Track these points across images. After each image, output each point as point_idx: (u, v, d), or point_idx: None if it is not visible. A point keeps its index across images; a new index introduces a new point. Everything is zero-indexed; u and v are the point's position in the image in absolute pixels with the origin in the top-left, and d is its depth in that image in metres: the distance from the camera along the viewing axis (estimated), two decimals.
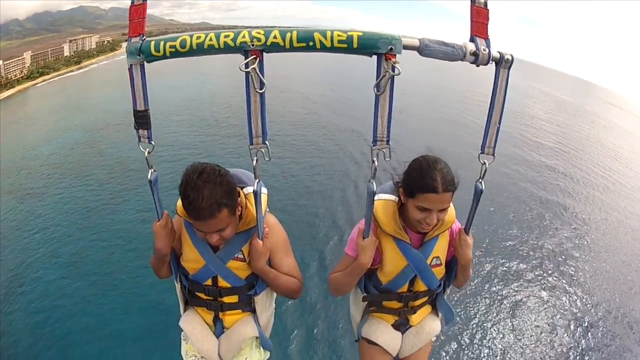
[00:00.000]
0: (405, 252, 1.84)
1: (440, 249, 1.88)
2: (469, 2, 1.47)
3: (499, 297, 9.52)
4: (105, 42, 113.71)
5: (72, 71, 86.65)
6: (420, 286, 1.93)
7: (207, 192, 1.52)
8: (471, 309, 8.98)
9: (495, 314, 8.96)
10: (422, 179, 1.63)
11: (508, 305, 9.31)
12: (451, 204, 1.85)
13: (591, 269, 11.54)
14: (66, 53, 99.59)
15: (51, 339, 8.47)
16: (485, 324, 8.61)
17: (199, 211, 1.53)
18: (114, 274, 10.45)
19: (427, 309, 2.14)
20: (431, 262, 1.87)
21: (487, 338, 8.30)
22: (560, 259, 11.66)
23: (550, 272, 10.95)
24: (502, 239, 12.20)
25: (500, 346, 8.18)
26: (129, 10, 1.45)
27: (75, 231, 12.78)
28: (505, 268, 10.77)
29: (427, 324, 2.12)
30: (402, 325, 2.10)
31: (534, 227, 13.34)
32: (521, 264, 11.03)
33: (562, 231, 13.45)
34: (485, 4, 1.46)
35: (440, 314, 2.15)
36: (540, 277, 10.62)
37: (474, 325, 8.53)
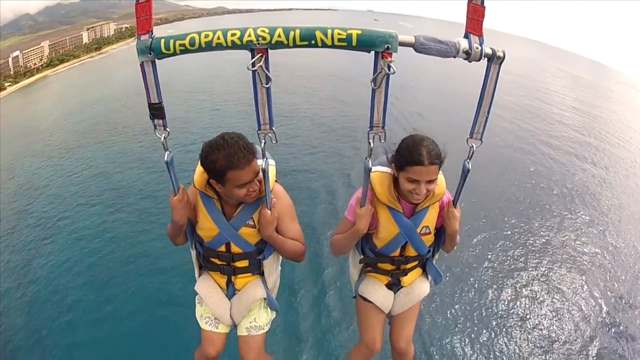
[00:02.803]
0: (397, 221, 2.04)
1: (430, 219, 2.07)
2: None
3: (492, 266, 9.49)
4: (124, 28, 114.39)
5: (92, 57, 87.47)
6: (411, 251, 2.15)
7: (242, 142, 1.77)
8: (459, 274, 9.04)
9: (485, 280, 9.01)
10: (410, 154, 1.82)
11: (501, 273, 9.27)
12: (442, 177, 2.03)
13: (600, 231, 11.48)
14: (85, 41, 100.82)
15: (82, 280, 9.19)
16: (475, 289, 8.70)
17: (240, 160, 1.75)
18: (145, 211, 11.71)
19: (418, 271, 2.35)
20: (421, 230, 2.07)
21: (477, 303, 8.38)
22: (569, 228, 11.49)
23: (550, 239, 10.79)
24: (516, 205, 12.13)
25: (489, 309, 8.27)
26: (135, 9, 1.52)
27: (106, 183, 14.13)
28: (510, 236, 10.67)
29: (417, 286, 2.33)
30: (394, 286, 2.33)
31: (546, 191, 13.30)
32: (531, 234, 10.91)
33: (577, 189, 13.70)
34: (482, 1, 1.50)
35: (429, 277, 2.37)
36: (543, 247, 10.47)
37: (462, 289, 8.64)
